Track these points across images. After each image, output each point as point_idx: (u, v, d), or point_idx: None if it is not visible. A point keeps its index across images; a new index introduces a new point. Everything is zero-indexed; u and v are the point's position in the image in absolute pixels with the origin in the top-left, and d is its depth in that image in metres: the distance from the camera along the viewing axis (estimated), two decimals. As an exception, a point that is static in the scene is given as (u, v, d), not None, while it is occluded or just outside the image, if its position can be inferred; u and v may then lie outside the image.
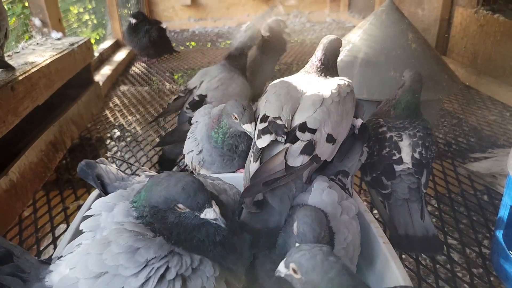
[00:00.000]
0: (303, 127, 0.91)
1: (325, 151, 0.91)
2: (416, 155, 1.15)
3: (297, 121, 0.94)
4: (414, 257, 1.15)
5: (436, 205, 1.37)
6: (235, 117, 1.04)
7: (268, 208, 0.86)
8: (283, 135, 0.91)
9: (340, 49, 1.12)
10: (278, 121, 0.93)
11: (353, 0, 4.43)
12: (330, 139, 0.92)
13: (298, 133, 0.90)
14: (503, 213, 1.03)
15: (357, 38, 1.76)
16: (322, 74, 1.07)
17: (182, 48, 3.71)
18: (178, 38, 4.14)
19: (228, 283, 0.72)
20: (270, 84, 1.08)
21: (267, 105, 0.99)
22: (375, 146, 1.20)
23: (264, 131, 0.93)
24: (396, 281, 0.80)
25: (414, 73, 1.28)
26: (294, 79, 1.07)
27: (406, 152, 1.16)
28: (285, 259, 0.60)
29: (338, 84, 1.01)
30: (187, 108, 1.50)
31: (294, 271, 0.57)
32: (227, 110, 1.07)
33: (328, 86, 1.01)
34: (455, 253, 1.17)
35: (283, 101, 0.97)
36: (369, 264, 0.90)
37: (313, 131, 0.90)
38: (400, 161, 1.15)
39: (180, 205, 0.67)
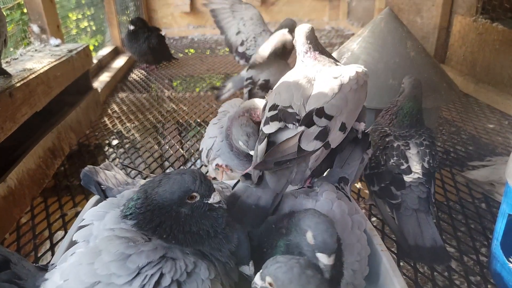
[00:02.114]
0: (320, 112, 0.89)
1: (336, 139, 0.90)
2: (426, 165, 1.14)
3: (313, 105, 0.91)
4: (412, 264, 1.15)
5: (434, 213, 1.38)
6: (242, 144, 1.06)
7: (263, 185, 0.86)
8: (294, 123, 0.89)
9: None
10: (289, 110, 0.91)
11: (352, 8, 4.47)
12: (343, 127, 0.91)
13: (315, 118, 0.88)
14: (501, 221, 1.03)
15: (356, 46, 1.78)
16: (327, 60, 1.04)
17: (181, 55, 3.73)
18: (177, 45, 4.16)
19: (223, 284, 0.72)
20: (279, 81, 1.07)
21: (276, 97, 0.98)
22: (382, 156, 1.18)
23: (272, 118, 0.92)
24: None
25: (413, 80, 1.28)
26: (301, 69, 1.05)
27: (415, 161, 1.15)
28: (261, 270, 0.58)
29: (357, 72, 0.98)
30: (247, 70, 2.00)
31: (270, 284, 0.56)
32: (234, 136, 1.07)
33: (345, 71, 0.98)
34: (452, 260, 1.16)
35: (294, 90, 0.96)
36: (367, 273, 0.90)
37: (330, 117, 0.89)
38: (408, 170, 1.14)
39: (194, 194, 0.70)
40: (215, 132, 1.18)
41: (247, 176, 0.87)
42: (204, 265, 0.69)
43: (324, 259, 0.69)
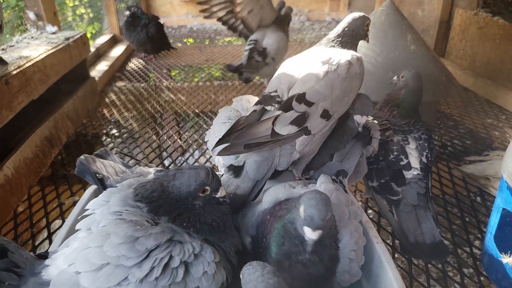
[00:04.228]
0: (300, 98, 0.88)
1: (317, 125, 0.89)
2: (424, 159, 1.14)
3: (297, 89, 0.90)
4: (407, 257, 1.16)
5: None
6: None
7: (243, 175, 0.88)
8: (272, 104, 0.89)
9: (365, 27, 1.06)
10: (272, 93, 0.91)
11: (352, -1, 4.43)
12: (325, 115, 0.89)
13: (294, 103, 0.87)
14: (495, 215, 1.04)
15: (355, 38, 1.76)
16: (334, 46, 1.02)
17: (179, 44, 3.69)
18: (176, 34, 4.11)
19: (225, 268, 0.75)
20: None
21: (268, 85, 0.98)
22: (381, 151, 1.17)
23: (255, 103, 0.93)
24: (389, 280, 0.81)
25: (414, 73, 1.28)
26: (300, 55, 1.03)
27: (415, 156, 1.14)
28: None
29: (350, 62, 0.94)
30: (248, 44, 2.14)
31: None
32: None
33: (338, 57, 0.94)
34: (447, 253, 1.18)
35: (282, 76, 0.95)
36: (363, 264, 0.91)
37: (310, 104, 0.87)
38: (408, 166, 1.13)
39: (207, 187, 0.74)
40: (223, 133, 1.17)
41: (229, 168, 0.89)
42: (210, 249, 0.72)
43: (308, 233, 0.72)
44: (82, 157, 0.98)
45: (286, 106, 0.88)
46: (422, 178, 1.12)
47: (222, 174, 0.94)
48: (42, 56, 1.66)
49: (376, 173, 1.16)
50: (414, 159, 1.14)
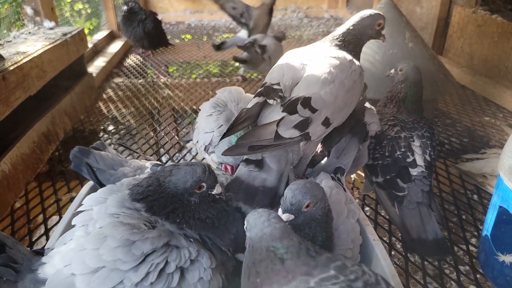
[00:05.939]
0: (305, 103, 0.87)
1: (317, 132, 0.89)
2: (427, 157, 1.14)
3: (302, 92, 0.89)
4: (403, 254, 1.17)
5: (427, 204, 1.39)
6: None
7: (267, 168, 0.87)
8: (275, 98, 0.88)
9: (378, 27, 1.02)
10: (275, 86, 0.90)
11: (351, -4, 4.42)
12: (326, 122, 0.89)
13: (299, 107, 0.86)
14: (492, 213, 1.04)
15: (353, 35, 1.76)
16: (338, 46, 1.00)
17: (177, 41, 3.68)
18: (173, 30, 4.09)
19: (221, 274, 0.74)
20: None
21: (269, 75, 0.97)
22: (388, 147, 1.17)
23: (255, 94, 0.92)
24: (385, 277, 0.81)
25: (414, 66, 1.29)
26: (303, 48, 1.02)
27: (419, 154, 1.15)
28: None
29: (354, 71, 0.94)
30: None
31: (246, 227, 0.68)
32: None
33: (345, 66, 0.94)
34: (443, 251, 1.18)
35: (285, 69, 0.94)
36: (359, 261, 0.92)
37: (314, 110, 0.87)
38: (414, 164, 1.13)
39: (203, 184, 0.74)
40: (211, 126, 1.14)
41: (248, 161, 0.87)
42: (207, 254, 0.72)
43: (279, 214, 0.74)
44: (75, 148, 0.96)
45: (291, 109, 0.87)
46: (426, 176, 1.13)
47: (231, 173, 0.93)
48: (39, 52, 1.65)
49: (381, 169, 1.15)
50: (418, 157, 1.15)
